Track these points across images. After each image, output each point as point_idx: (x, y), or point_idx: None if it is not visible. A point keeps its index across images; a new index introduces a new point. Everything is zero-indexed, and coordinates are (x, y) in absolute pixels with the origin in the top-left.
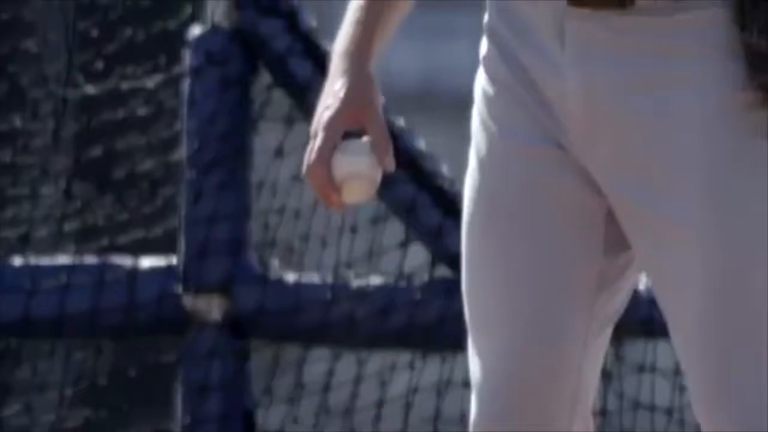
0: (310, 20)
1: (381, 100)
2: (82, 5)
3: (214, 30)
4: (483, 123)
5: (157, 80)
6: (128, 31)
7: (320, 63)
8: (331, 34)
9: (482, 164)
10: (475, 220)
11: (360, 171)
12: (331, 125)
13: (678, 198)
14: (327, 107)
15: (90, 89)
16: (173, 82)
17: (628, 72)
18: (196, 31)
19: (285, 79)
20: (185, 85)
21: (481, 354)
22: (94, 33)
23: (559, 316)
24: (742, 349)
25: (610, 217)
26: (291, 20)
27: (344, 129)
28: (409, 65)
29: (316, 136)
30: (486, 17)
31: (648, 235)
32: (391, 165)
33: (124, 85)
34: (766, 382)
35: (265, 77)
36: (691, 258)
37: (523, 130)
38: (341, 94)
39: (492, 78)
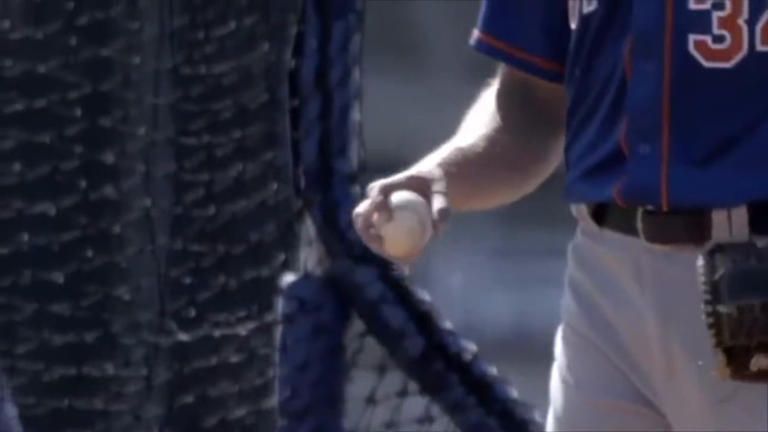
0: (403, 269)
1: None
2: (174, 253)
3: (307, 277)
4: (560, 374)
5: (249, 327)
6: (221, 279)
7: (413, 311)
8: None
9: (557, 418)
10: None
11: (414, 205)
12: (405, 173)
13: None
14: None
15: (182, 336)
16: (266, 330)
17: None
18: (288, 278)
19: (377, 327)
20: (278, 332)
21: None
22: (187, 280)
23: None
24: None
25: None
26: (383, 268)
27: (414, 182)
28: (502, 313)
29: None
30: (568, 268)
31: None
32: (440, 228)
33: (217, 332)
34: None
35: (357, 325)
36: None
37: (600, 384)
38: (419, 167)
39: (571, 328)
